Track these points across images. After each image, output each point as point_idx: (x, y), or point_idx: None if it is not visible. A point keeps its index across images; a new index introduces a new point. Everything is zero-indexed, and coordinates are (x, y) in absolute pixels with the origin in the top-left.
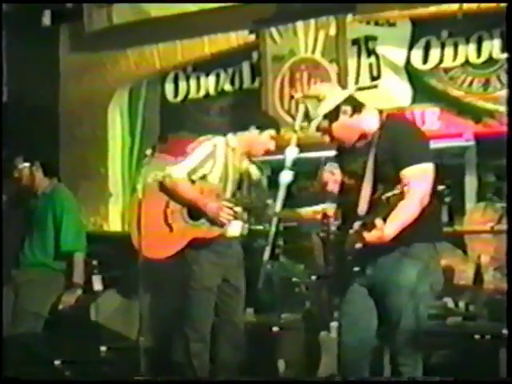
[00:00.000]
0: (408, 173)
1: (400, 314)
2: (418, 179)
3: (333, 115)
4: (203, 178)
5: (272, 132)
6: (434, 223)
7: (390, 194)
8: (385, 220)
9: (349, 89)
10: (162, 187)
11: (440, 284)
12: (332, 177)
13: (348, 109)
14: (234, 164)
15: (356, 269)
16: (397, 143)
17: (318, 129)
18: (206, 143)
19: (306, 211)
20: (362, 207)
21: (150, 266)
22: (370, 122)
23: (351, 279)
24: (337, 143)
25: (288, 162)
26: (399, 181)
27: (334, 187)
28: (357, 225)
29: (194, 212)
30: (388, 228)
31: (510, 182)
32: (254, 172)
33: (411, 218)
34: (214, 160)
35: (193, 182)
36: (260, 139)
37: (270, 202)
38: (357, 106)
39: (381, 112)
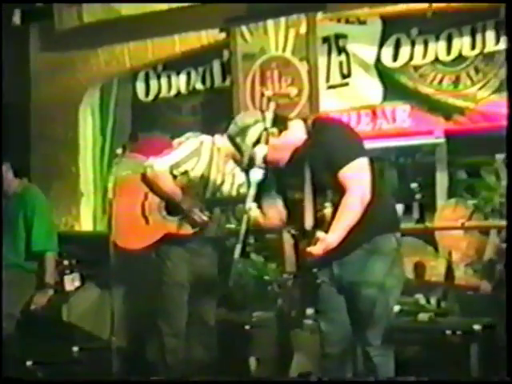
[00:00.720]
0: (344, 173)
1: (371, 310)
2: (355, 177)
3: (262, 141)
4: (185, 173)
5: None
6: (390, 215)
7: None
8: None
9: (269, 111)
10: (144, 177)
11: (404, 276)
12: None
13: (274, 130)
14: (219, 164)
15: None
16: (328, 147)
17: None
18: (192, 139)
19: None
20: (308, 222)
21: (122, 263)
22: (297, 134)
23: (320, 279)
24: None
25: (258, 160)
26: (339, 184)
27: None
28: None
29: (172, 207)
30: (331, 236)
31: (509, 180)
32: (238, 174)
33: (355, 218)
34: (198, 157)
35: (174, 176)
36: None
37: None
38: (281, 124)
39: (305, 120)
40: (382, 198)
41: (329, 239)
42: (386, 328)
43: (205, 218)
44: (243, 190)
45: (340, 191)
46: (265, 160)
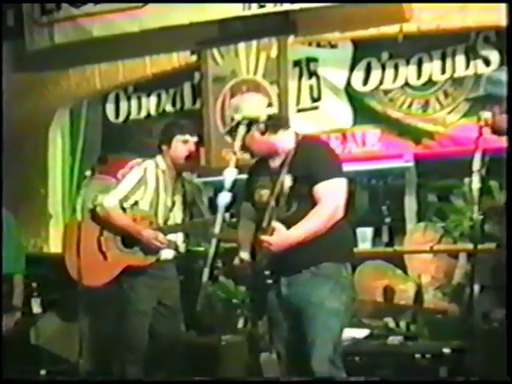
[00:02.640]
0: (320, 188)
1: (314, 333)
2: (330, 193)
3: (248, 125)
4: (135, 204)
5: (183, 137)
6: (344, 243)
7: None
8: None
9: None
10: (94, 216)
11: (353, 302)
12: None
13: (262, 126)
14: (166, 186)
15: (269, 281)
16: (310, 161)
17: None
18: (136, 168)
19: None
20: (267, 220)
21: (88, 291)
22: (284, 140)
23: (269, 299)
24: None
25: (227, 184)
26: (313, 197)
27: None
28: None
29: (128, 239)
30: (288, 230)
31: (509, 181)
32: (188, 190)
33: (318, 227)
34: (145, 185)
35: (124, 210)
36: (176, 149)
37: (208, 218)
38: (273, 127)
39: (297, 134)
40: (344, 225)
41: (285, 231)
42: (331, 355)
43: (162, 245)
44: (196, 207)
45: (312, 204)
46: (242, 147)
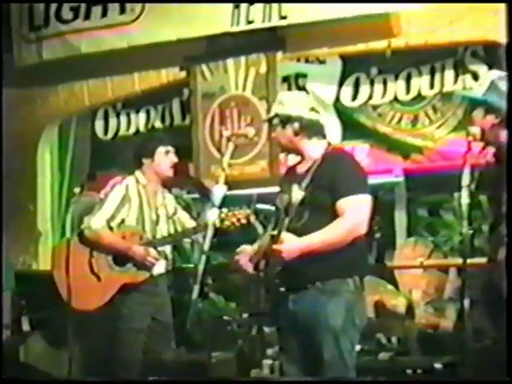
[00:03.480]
0: (344, 202)
1: (323, 350)
2: (354, 208)
3: (283, 121)
4: (122, 222)
5: (165, 148)
6: (355, 259)
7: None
8: None
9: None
10: (83, 239)
11: (362, 318)
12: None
13: (296, 126)
14: (149, 201)
15: (282, 289)
16: (336, 174)
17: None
18: (117, 187)
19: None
20: (281, 227)
21: (79, 313)
22: (314, 148)
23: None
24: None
25: (215, 201)
26: (334, 211)
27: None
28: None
29: (119, 258)
30: (302, 238)
31: (509, 184)
32: (170, 203)
33: (334, 239)
34: (129, 202)
35: (111, 228)
36: (159, 161)
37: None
38: (308, 131)
39: (329, 145)
40: (360, 242)
41: (295, 238)
42: (342, 371)
43: (154, 260)
44: (180, 220)
45: (328, 217)
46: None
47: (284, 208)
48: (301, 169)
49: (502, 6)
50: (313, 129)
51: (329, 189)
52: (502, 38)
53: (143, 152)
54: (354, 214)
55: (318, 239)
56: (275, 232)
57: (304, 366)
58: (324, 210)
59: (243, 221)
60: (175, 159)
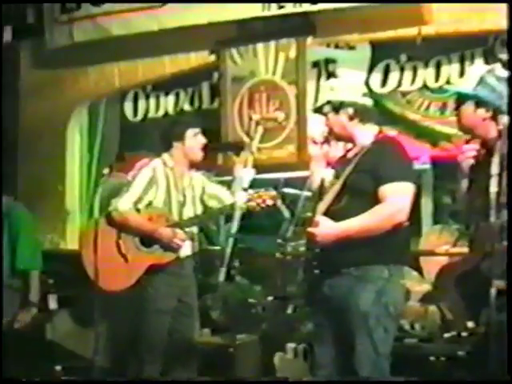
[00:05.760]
0: (388, 188)
1: (354, 338)
2: (397, 194)
3: (336, 107)
4: (149, 204)
5: (194, 130)
6: (395, 245)
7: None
8: None
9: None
10: (110, 221)
11: (397, 306)
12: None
13: (351, 111)
14: (176, 183)
15: (317, 271)
16: (381, 159)
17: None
18: (144, 169)
19: None
20: (320, 209)
21: (106, 293)
22: (366, 134)
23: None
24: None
25: (244, 183)
26: (376, 197)
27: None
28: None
29: (146, 239)
30: (339, 223)
31: (510, 182)
32: (197, 184)
33: (373, 225)
34: (156, 185)
35: (138, 210)
36: (190, 144)
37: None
38: (362, 116)
39: (380, 131)
40: (404, 230)
41: (330, 222)
42: (373, 358)
43: (180, 242)
44: (210, 202)
45: (368, 202)
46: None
47: (319, 192)
48: (349, 154)
49: None
50: (366, 114)
51: (372, 174)
52: None
53: (173, 135)
54: (396, 200)
55: (356, 224)
56: (309, 214)
57: (335, 352)
58: (365, 195)
59: (269, 202)
60: (204, 140)
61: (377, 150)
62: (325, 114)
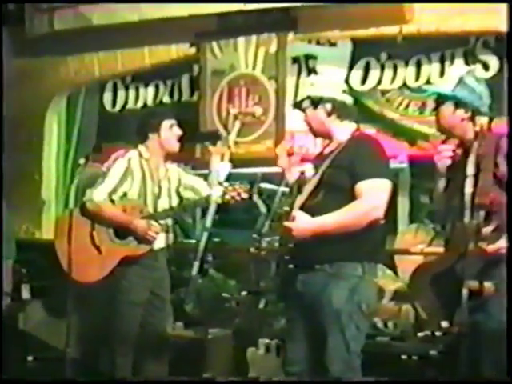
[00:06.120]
0: (364, 185)
1: (327, 333)
2: (373, 191)
3: (315, 102)
4: (124, 195)
5: (170, 122)
6: (369, 243)
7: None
8: None
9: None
10: (84, 211)
11: (369, 304)
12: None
13: (328, 107)
14: (152, 174)
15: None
16: (358, 156)
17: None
18: (120, 160)
19: None
20: (297, 204)
21: (79, 284)
22: (343, 131)
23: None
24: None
25: (221, 177)
26: (352, 193)
27: None
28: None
29: (120, 231)
30: (315, 218)
31: (509, 180)
32: (173, 176)
33: (348, 221)
34: (131, 176)
35: (113, 201)
36: (166, 136)
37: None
38: (340, 112)
39: (358, 128)
40: (378, 227)
41: (307, 217)
42: (345, 356)
43: (155, 234)
44: (186, 193)
45: (344, 198)
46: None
47: (298, 186)
48: (326, 151)
49: None
50: (345, 110)
51: (348, 170)
52: None
53: (148, 126)
54: (372, 197)
55: (332, 220)
56: (287, 209)
57: (307, 348)
58: (341, 191)
59: (244, 195)
60: (180, 132)
61: (354, 147)
62: (303, 110)
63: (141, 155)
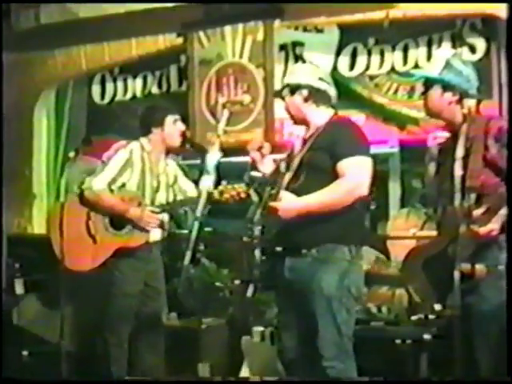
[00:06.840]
0: (344, 163)
1: (317, 318)
2: (354, 168)
3: (292, 88)
4: (123, 186)
5: (174, 117)
6: (355, 225)
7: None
8: None
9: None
10: (83, 200)
11: (359, 288)
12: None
13: (305, 93)
14: (151, 168)
15: (278, 249)
16: (336, 137)
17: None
18: (121, 151)
19: None
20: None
21: (72, 273)
22: (319, 115)
23: (276, 283)
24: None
25: (210, 167)
26: (334, 174)
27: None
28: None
29: (117, 222)
30: (300, 197)
31: (509, 179)
32: (171, 171)
33: (333, 200)
34: (131, 167)
35: (112, 191)
36: (169, 131)
37: (187, 208)
38: (316, 98)
39: (335, 114)
40: (361, 206)
41: (292, 197)
42: (336, 340)
43: (154, 224)
44: (179, 195)
45: (327, 179)
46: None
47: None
48: (305, 136)
49: None
50: (321, 97)
51: (329, 151)
52: (501, 12)
53: (152, 121)
54: (355, 174)
55: (317, 199)
56: (274, 191)
57: (299, 334)
58: (323, 172)
59: (243, 195)
60: (183, 127)
61: (332, 130)
62: (283, 98)
63: (143, 148)
